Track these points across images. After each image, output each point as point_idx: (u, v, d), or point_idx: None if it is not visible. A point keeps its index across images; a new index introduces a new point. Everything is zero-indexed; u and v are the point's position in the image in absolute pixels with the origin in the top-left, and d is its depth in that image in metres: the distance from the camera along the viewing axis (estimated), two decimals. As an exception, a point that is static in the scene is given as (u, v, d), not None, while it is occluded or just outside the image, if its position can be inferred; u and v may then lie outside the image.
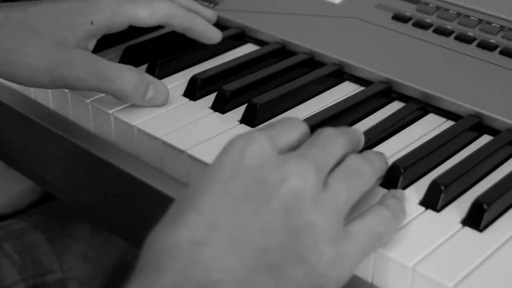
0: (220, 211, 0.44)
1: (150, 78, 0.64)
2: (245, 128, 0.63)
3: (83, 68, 0.62)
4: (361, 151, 0.59)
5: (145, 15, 0.65)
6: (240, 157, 0.46)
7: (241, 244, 0.43)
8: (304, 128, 0.50)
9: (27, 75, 0.62)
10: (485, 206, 0.51)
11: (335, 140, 0.49)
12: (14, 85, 0.74)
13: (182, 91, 0.68)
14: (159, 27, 0.80)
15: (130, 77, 0.62)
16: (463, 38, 0.69)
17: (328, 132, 0.50)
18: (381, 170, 0.53)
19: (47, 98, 0.71)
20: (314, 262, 0.44)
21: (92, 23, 0.64)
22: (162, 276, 0.42)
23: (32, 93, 0.73)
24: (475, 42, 0.69)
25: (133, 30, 0.79)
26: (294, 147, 0.48)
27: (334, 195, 0.46)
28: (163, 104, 0.65)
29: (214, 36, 0.72)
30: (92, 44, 0.66)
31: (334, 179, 0.47)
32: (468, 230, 0.52)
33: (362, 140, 0.54)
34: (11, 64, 0.62)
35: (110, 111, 0.65)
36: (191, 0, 0.73)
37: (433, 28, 0.71)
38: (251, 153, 0.46)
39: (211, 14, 0.74)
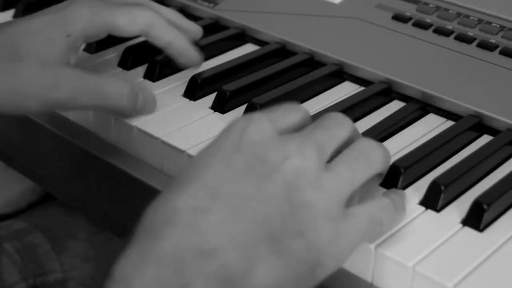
0: (222, 181, 0.44)
1: (139, 86, 0.63)
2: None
3: (73, 86, 0.59)
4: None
5: (124, 23, 0.63)
6: (241, 136, 0.46)
7: (243, 212, 0.43)
8: (304, 112, 0.50)
9: (15, 102, 0.59)
10: (485, 206, 0.51)
11: (339, 124, 0.49)
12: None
13: (182, 91, 0.68)
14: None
15: (123, 91, 0.61)
16: (463, 38, 0.69)
17: (333, 116, 0.50)
18: (388, 159, 0.52)
19: (47, 98, 0.71)
20: (313, 238, 0.44)
21: (68, 35, 0.61)
22: (160, 242, 0.42)
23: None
24: (475, 42, 0.69)
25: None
26: (296, 130, 0.49)
27: (337, 176, 0.46)
28: (151, 111, 0.64)
29: (194, 58, 0.67)
30: (74, 57, 0.62)
31: (339, 160, 0.47)
32: (468, 230, 0.52)
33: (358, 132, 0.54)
34: None
35: (110, 111, 0.65)
36: (177, 13, 0.70)
37: (433, 28, 0.71)
38: (252, 132, 0.46)
39: (197, 28, 0.70)
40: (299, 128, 0.49)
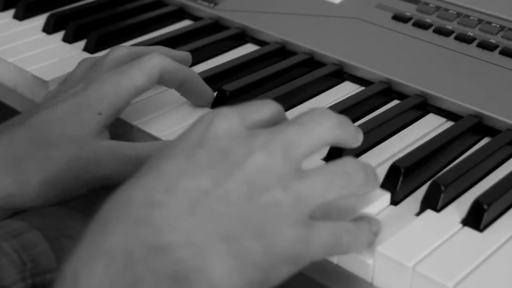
0: (180, 176, 0.43)
1: None
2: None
3: (117, 160, 0.56)
4: (360, 153, 0.59)
5: (143, 81, 0.59)
6: (207, 128, 0.45)
7: (199, 208, 0.42)
8: (277, 107, 0.48)
9: (55, 192, 0.57)
10: (485, 206, 0.51)
11: (318, 121, 0.46)
12: (14, 85, 0.74)
13: (182, 91, 0.68)
14: (159, 26, 0.81)
15: None
16: (463, 38, 0.69)
17: (314, 112, 0.47)
18: (373, 184, 0.48)
19: (47, 98, 0.71)
20: (272, 241, 0.42)
21: (100, 113, 0.58)
22: (109, 237, 0.41)
23: (32, 93, 0.72)
24: (475, 42, 0.69)
25: (133, 30, 0.79)
26: (268, 126, 0.47)
27: (308, 182, 0.44)
28: None
29: (208, 93, 0.65)
30: (107, 134, 0.59)
31: (316, 169, 0.45)
32: (468, 230, 0.51)
33: (359, 136, 0.50)
34: (35, 188, 0.56)
35: (110, 111, 0.65)
36: (164, 47, 0.67)
37: (433, 28, 0.71)
38: (218, 125, 0.45)
39: (186, 54, 0.68)
40: (271, 124, 0.47)
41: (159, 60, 0.60)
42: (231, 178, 0.43)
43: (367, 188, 0.48)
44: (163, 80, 0.61)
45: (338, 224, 0.46)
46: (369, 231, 0.49)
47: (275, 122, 0.48)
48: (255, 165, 0.43)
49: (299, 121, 0.46)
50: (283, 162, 0.44)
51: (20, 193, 0.56)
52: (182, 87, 0.63)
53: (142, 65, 0.60)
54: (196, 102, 0.66)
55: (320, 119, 0.46)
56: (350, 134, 0.48)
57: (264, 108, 0.48)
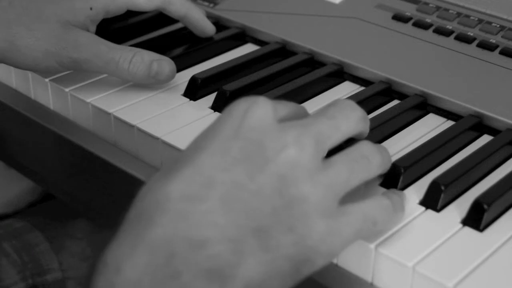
0: (216, 169, 0.44)
1: (153, 55, 0.66)
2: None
3: (90, 50, 0.64)
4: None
5: (142, 0, 0.69)
6: (242, 118, 0.46)
7: (234, 203, 0.43)
8: (304, 108, 0.51)
9: (35, 58, 0.65)
10: (485, 206, 0.51)
11: (346, 115, 0.48)
12: (14, 85, 0.74)
13: (182, 91, 0.68)
14: (159, 26, 0.81)
15: (131, 57, 0.65)
16: (463, 38, 0.69)
17: (341, 105, 0.49)
18: (387, 164, 0.51)
19: (47, 98, 0.71)
20: (304, 234, 0.44)
21: (91, 8, 0.67)
22: (151, 230, 0.42)
23: (32, 93, 0.73)
24: (475, 42, 0.69)
25: (134, 29, 0.79)
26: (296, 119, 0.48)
27: (333, 173, 0.45)
28: (169, 80, 0.67)
29: (208, 28, 0.74)
30: (93, 28, 0.68)
31: (338, 158, 0.47)
32: (468, 230, 0.52)
33: (368, 127, 0.53)
34: (19, 49, 0.65)
35: (110, 111, 0.65)
36: None
37: (433, 28, 0.71)
38: (254, 115, 0.46)
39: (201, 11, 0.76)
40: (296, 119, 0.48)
41: None
42: (264, 172, 0.44)
43: (383, 169, 0.50)
44: (165, 10, 0.71)
45: (369, 202, 0.47)
46: (402, 201, 0.51)
47: (301, 117, 0.49)
48: (288, 159, 0.44)
49: (327, 114, 0.48)
50: (313, 156, 0.45)
51: (9, 50, 0.65)
52: (184, 20, 0.73)
53: None
54: (197, 34, 0.75)
55: (347, 113, 0.48)
56: (368, 127, 0.51)
57: (293, 105, 0.50)
